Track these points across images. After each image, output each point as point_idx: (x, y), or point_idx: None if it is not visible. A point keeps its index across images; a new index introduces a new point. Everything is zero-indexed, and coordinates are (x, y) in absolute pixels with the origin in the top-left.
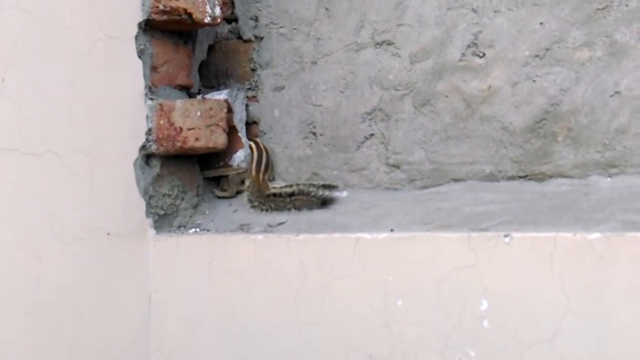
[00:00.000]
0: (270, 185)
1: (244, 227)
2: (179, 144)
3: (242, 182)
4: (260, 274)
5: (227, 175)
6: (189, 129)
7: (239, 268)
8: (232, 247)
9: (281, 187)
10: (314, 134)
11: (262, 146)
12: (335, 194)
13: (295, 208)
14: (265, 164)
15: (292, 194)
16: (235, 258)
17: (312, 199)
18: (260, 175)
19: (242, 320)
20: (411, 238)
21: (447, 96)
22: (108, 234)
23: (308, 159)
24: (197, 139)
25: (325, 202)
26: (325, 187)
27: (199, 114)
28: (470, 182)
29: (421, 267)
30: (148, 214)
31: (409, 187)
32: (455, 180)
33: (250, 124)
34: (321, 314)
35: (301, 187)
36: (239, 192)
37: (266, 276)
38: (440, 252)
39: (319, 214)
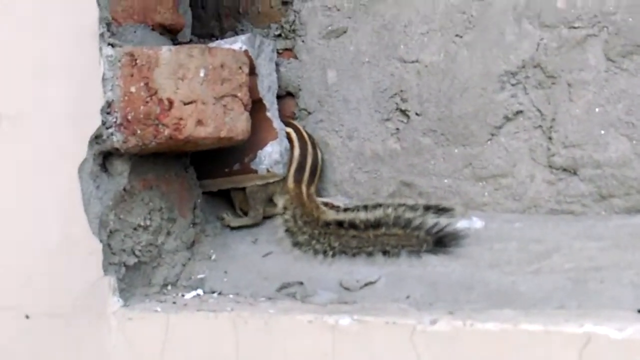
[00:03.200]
0: (320, 203)
1: (290, 291)
2: (167, 132)
3: (270, 199)
4: None
5: (244, 189)
6: (185, 103)
7: None
8: (282, 340)
9: (350, 211)
10: (405, 112)
11: (305, 136)
12: (459, 223)
13: (383, 252)
14: (311, 166)
15: (376, 225)
16: None
17: (417, 233)
18: (304, 187)
19: None
20: None
21: None
22: (27, 316)
23: (393, 157)
24: (200, 122)
25: (441, 241)
26: (430, 209)
27: (202, 74)
28: None
29: None
30: (107, 266)
31: (598, 209)
32: None
33: (282, 96)
34: None
35: (390, 210)
36: (267, 217)
37: None
38: None
39: (440, 265)
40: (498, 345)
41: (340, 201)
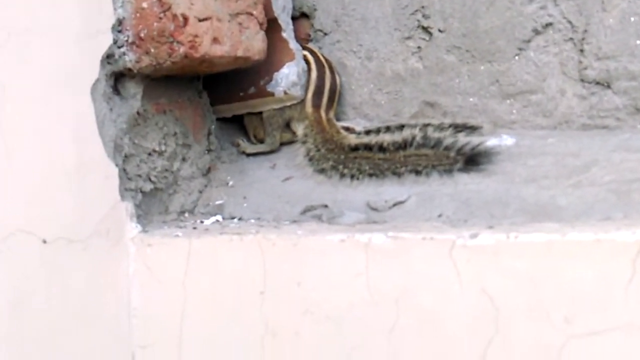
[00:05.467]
0: (341, 128)
1: (315, 213)
2: (182, 50)
3: (287, 124)
4: (387, 318)
5: (261, 113)
6: (200, 20)
7: (337, 309)
8: (313, 261)
9: (374, 133)
10: (427, 29)
11: (322, 59)
12: (490, 141)
13: (415, 172)
14: (329, 90)
15: (404, 145)
16: (325, 287)
17: (447, 153)
18: (322, 112)
19: None
20: None
21: None
22: (44, 241)
23: (415, 76)
24: (216, 40)
25: (472, 159)
26: (457, 128)
27: None
28: None
29: None
30: (123, 191)
31: (633, 122)
32: None
33: (296, 17)
34: None
35: (417, 130)
36: (285, 143)
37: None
38: None
39: (472, 183)
40: (545, 258)
41: (360, 125)
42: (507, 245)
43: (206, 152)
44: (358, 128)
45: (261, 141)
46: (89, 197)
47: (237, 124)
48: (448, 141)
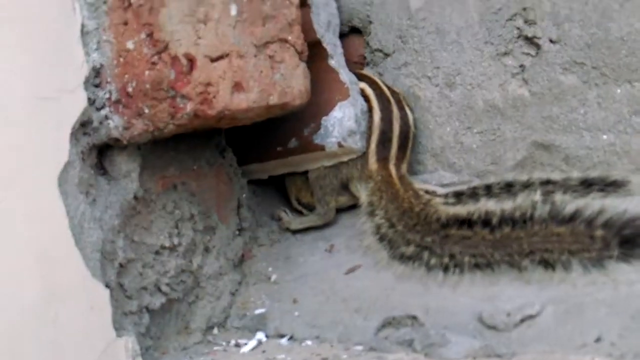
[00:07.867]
0: (419, 190)
1: (401, 335)
2: (190, 107)
3: (345, 185)
4: None
5: (305, 173)
6: (213, 60)
7: None
8: None
9: (467, 197)
10: (532, 40)
11: (386, 91)
12: None
13: (544, 263)
14: (399, 135)
15: (519, 220)
16: None
17: (589, 231)
18: (392, 167)
19: None
20: None
21: None
22: None
23: (518, 108)
24: (238, 86)
25: (632, 240)
26: (595, 185)
27: (234, 11)
28: None
29: None
30: (121, 320)
31: None
32: None
33: (344, 34)
34: None
35: (537, 194)
36: (342, 209)
37: None
38: None
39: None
40: None
41: (445, 179)
42: None
43: (237, 233)
44: (440, 189)
45: (308, 207)
46: (64, 343)
47: (278, 186)
48: (589, 211)
